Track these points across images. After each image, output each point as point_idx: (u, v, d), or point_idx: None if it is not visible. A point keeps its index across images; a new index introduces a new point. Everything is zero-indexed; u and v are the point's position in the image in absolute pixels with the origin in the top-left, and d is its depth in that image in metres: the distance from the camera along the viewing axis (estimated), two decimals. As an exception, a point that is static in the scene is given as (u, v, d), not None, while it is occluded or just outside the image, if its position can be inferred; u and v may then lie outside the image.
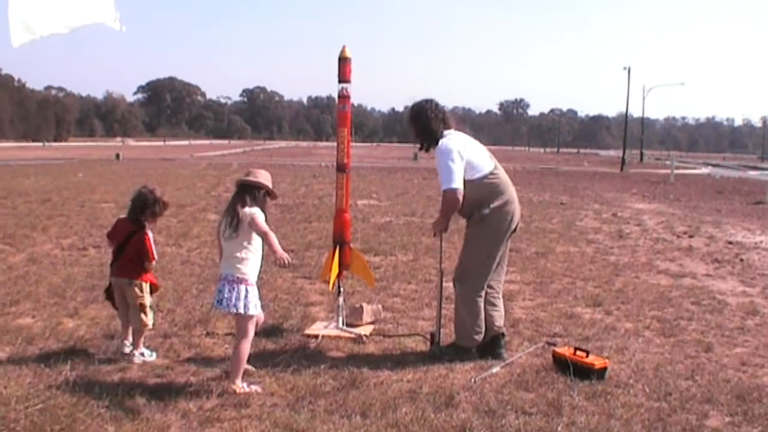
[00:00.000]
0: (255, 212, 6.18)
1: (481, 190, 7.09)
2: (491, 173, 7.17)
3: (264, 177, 6.45)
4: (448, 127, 7.35)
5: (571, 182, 39.83)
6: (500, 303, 7.49)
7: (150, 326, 7.04)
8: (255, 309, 6.14)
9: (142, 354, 6.89)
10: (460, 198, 6.98)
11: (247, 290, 6.08)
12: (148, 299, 7.01)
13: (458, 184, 6.98)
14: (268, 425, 5.38)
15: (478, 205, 7.11)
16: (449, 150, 7.07)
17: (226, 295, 6.06)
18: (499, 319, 7.40)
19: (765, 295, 10.68)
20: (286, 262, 6.09)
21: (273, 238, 6.20)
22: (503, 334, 7.43)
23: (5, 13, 5.37)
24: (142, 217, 7.03)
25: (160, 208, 7.10)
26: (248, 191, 6.31)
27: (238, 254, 6.16)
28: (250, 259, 6.20)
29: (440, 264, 7.55)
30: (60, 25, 5.78)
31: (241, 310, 6.04)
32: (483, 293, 7.25)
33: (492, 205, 7.10)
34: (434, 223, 7.43)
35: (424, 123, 7.35)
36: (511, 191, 7.31)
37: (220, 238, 6.31)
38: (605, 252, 14.26)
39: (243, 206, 6.19)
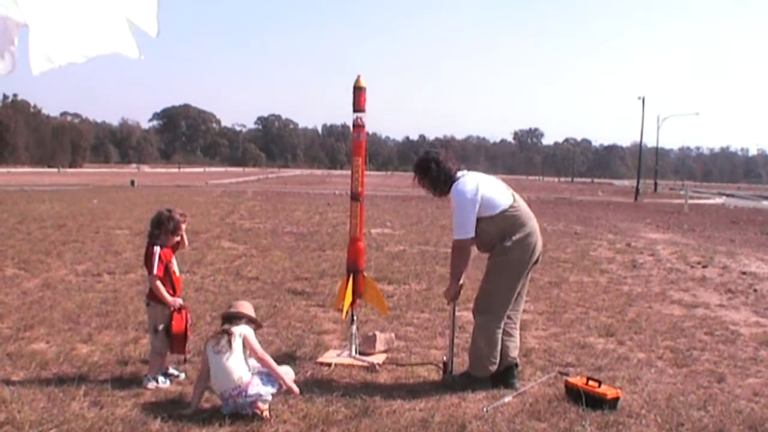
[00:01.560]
0: (246, 330, 6.35)
1: (502, 224, 7.06)
2: (511, 206, 7.13)
3: (245, 308, 6.63)
4: (458, 169, 7.35)
5: (585, 212, 39.76)
6: (516, 333, 7.46)
7: (165, 352, 7.04)
8: (269, 388, 6.20)
9: (156, 380, 6.90)
10: (470, 248, 7.08)
11: (251, 388, 6.11)
12: (161, 321, 6.99)
13: (470, 233, 7.03)
14: (281, 452, 5.39)
15: (500, 238, 7.08)
16: (464, 192, 7.07)
17: (240, 402, 6.09)
18: (514, 350, 7.38)
19: (779, 326, 10.63)
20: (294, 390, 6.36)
21: (270, 360, 6.31)
22: (516, 365, 7.41)
23: (24, 41, 5.44)
24: (158, 234, 7.09)
25: (174, 225, 7.13)
26: (232, 321, 6.45)
27: (230, 365, 6.15)
28: (240, 366, 6.20)
29: (453, 304, 7.54)
30: (78, 54, 5.84)
31: (267, 397, 6.15)
32: (502, 324, 7.21)
33: (514, 238, 7.06)
34: (446, 291, 7.44)
35: (433, 176, 7.34)
36: (533, 223, 7.27)
37: (209, 353, 6.29)
38: (619, 282, 14.23)
39: (232, 326, 6.36)
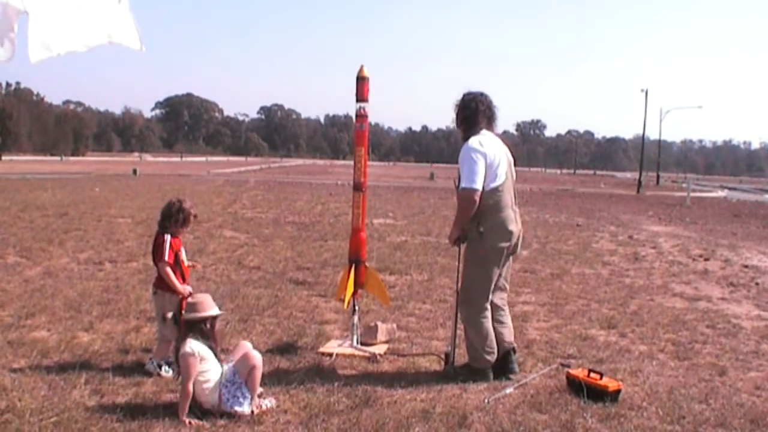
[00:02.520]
0: (190, 352, 5.96)
1: (481, 205, 7.05)
2: (497, 188, 7.11)
3: (204, 306, 6.22)
4: (489, 128, 7.37)
5: (587, 204, 39.74)
6: (508, 319, 7.51)
7: (167, 338, 7.00)
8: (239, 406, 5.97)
9: (159, 366, 6.90)
10: (477, 200, 6.99)
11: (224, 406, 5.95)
12: (173, 311, 6.96)
13: (478, 185, 6.98)
14: (281, 442, 5.39)
15: (476, 221, 7.11)
16: (475, 150, 7.06)
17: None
18: (509, 335, 7.43)
19: (781, 319, 10.62)
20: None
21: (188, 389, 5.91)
22: (514, 350, 7.45)
23: (24, 29, 5.43)
24: (168, 225, 7.10)
25: (184, 217, 7.13)
26: (192, 329, 6.15)
27: (195, 391, 5.96)
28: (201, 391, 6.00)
29: (456, 284, 7.53)
30: (78, 43, 5.83)
31: (244, 410, 5.94)
32: (487, 313, 7.23)
33: (488, 223, 7.09)
34: (450, 234, 7.42)
35: (469, 113, 7.34)
36: (509, 212, 7.23)
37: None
38: (620, 274, 14.23)
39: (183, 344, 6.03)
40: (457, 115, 7.45)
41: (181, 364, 5.96)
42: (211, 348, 6.07)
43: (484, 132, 7.27)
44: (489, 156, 7.07)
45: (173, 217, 7.10)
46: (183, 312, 6.27)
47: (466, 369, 7.30)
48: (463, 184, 7.02)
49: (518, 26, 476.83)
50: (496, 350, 7.23)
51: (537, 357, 8.03)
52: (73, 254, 13.92)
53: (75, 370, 6.80)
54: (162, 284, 7.05)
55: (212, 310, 6.19)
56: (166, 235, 7.07)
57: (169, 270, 6.98)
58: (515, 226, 7.27)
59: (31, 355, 7.31)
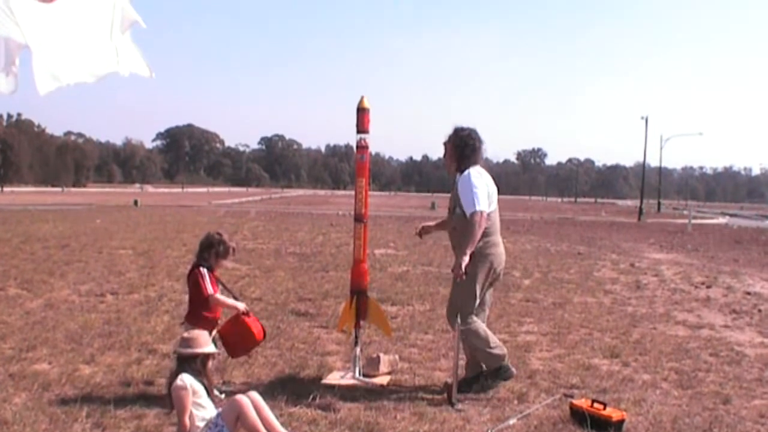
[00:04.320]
0: (183, 385, 5.82)
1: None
2: (490, 215, 7.57)
3: (199, 342, 6.08)
4: (476, 162, 7.74)
5: (589, 232, 39.71)
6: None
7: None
8: None
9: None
10: (485, 221, 7.39)
11: None
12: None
13: (484, 206, 7.39)
14: (284, 475, 5.35)
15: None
16: (477, 178, 7.54)
17: None
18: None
19: (784, 347, 10.59)
20: None
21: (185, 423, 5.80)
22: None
23: (27, 60, 5.45)
24: (207, 257, 7.16)
25: (224, 250, 7.19)
26: (185, 363, 6.01)
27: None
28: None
29: (458, 316, 7.54)
30: (86, 74, 5.86)
31: None
32: (475, 318, 7.61)
33: (478, 246, 7.43)
34: (459, 264, 7.38)
35: (462, 150, 7.75)
36: (497, 238, 7.74)
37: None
38: (623, 303, 14.21)
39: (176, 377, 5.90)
40: (454, 150, 7.83)
41: (173, 397, 5.86)
42: (203, 385, 6.00)
43: (474, 167, 7.69)
44: (486, 186, 7.57)
45: (214, 249, 7.16)
46: (177, 349, 6.22)
47: (485, 378, 7.64)
48: (473, 209, 7.37)
49: (518, 55, 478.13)
50: (500, 343, 7.68)
51: (540, 387, 8.00)
52: (75, 286, 13.90)
53: (76, 403, 6.78)
54: (192, 319, 7.09)
55: (207, 347, 6.09)
56: (202, 269, 7.09)
57: (219, 297, 7.10)
58: (502, 251, 7.82)
59: (32, 387, 7.28)
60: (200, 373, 5.98)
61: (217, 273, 7.27)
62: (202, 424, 5.81)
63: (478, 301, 7.63)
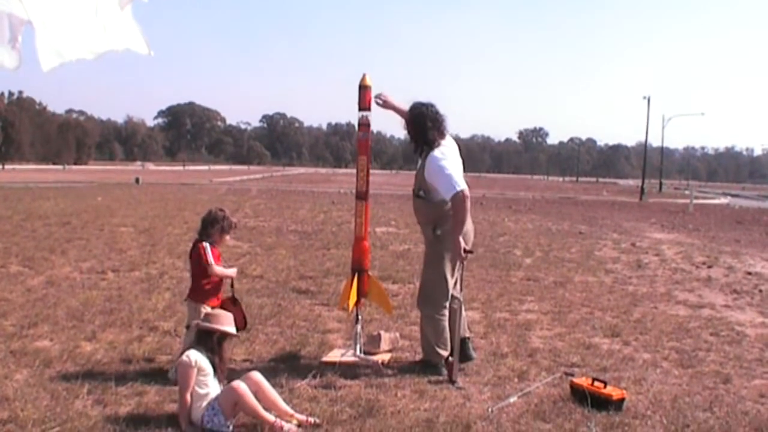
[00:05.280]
0: (190, 363, 5.87)
1: (439, 211, 7.48)
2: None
3: (221, 320, 6.21)
4: (443, 137, 7.68)
5: (590, 211, 39.69)
6: (463, 311, 7.80)
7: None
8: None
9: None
10: (469, 196, 7.35)
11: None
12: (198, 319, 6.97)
13: (463, 184, 7.32)
14: (284, 452, 5.36)
15: (432, 225, 7.55)
16: (443, 158, 7.46)
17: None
18: (464, 325, 7.83)
19: (785, 327, 10.60)
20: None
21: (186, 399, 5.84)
22: (469, 338, 7.97)
23: (29, 38, 5.43)
24: (211, 232, 7.19)
25: (228, 225, 7.24)
26: (202, 338, 6.12)
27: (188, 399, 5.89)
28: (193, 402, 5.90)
29: (460, 291, 7.58)
30: (86, 51, 5.83)
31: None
32: (445, 311, 7.57)
33: (445, 227, 7.44)
34: (454, 249, 7.40)
35: (421, 128, 7.69)
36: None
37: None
38: (624, 282, 14.22)
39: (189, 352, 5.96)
40: (414, 129, 7.79)
41: (178, 372, 5.96)
42: (213, 364, 6.00)
43: (443, 142, 7.65)
44: (454, 164, 7.51)
45: (219, 224, 7.19)
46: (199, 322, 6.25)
47: (422, 364, 7.68)
48: (454, 191, 7.28)
49: (520, 34, 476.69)
50: (448, 346, 7.54)
51: (540, 366, 8.02)
52: (76, 263, 13.91)
53: (78, 379, 6.79)
54: (194, 294, 7.14)
55: (226, 326, 6.13)
56: (204, 243, 7.11)
57: (217, 269, 7.13)
58: (469, 225, 7.68)
59: (33, 364, 7.29)
60: (213, 351, 6.00)
61: (218, 249, 7.27)
62: (204, 403, 5.82)
63: (452, 282, 7.62)
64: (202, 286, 7.12)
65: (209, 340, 6.04)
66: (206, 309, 6.93)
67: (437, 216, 7.51)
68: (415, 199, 7.79)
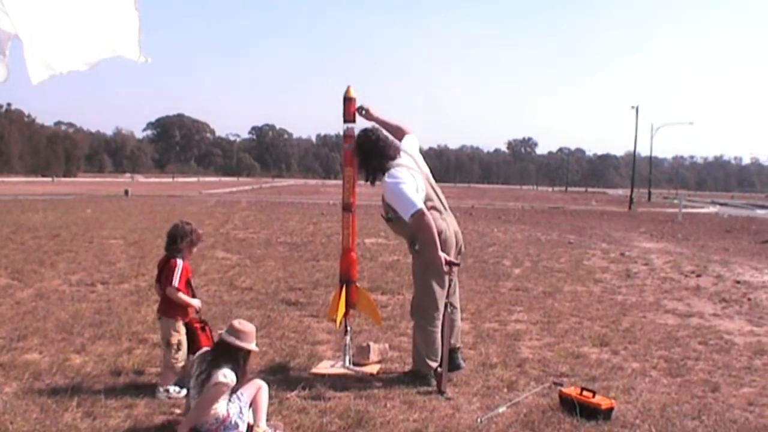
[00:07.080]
0: (222, 380, 5.78)
1: (411, 227, 7.46)
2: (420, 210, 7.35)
3: (245, 336, 6.00)
4: (393, 158, 7.66)
5: (579, 221, 39.78)
6: (458, 317, 8.00)
7: (178, 366, 6.96)
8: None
9: (167, 390, 6.84)
10: (426, 213, 7.29)
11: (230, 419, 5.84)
12: (178, 337, 6.97)
13: (420, 203, 7.29)
14: (274, 464, 5.37)
15: (410, 240, 7.66)
16: (395, 180, 7.43)
17: None
18: (457, 334, 7.92)
19: (773, 335, 10.64)
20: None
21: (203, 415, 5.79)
22: (459, 348, 7.95)
23: (18, 50, 5.44)
24: (181, 247, 7.09)
25: (197, 237, 7.17)
26: (223, 355, 5.96)
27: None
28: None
29: (447, 304, 7.59)
30: (79, 62, 5.83)
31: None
32: (438, 323, 7.53)
33: (421, 241, 7.46)
34: (436, 263, 7.42)
35: (365, 157, 7.78)
36: (439, 224, 7.52)
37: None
38: (613, 291, 14.25)
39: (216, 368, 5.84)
40: (363, 157, 7.82)
41: (212, 390, 5.76)
42: (237, 378, 5.96)
43: (393, 163, 7.62)
44: (408, 182, 7.42)
45: (188, 237, 7.09)
46: (222, 333, 6.12)
47: (411, 375, 7.68)
48: (410, 212, 7.29)
49: (509, 44, 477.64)
50: (439, 357, 7.46)
51: (529, 375, 8.03)
52: (65, 276, 13.89)
53: (67, 392, 6.78)
54: (167, 310, 7.06)
55: (252, 344, 6.07)
56: (178, 260, 7.04)
57: (180, 294, 6.97)
58: (449, 231, 7.63)
59: (23, 377, 7.28)
60: (238, 366, 5.94)
61: (188, 264, 7.20)
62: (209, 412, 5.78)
63: (444, 291, 7.59)
64: (171, 300, 7.06)
65: (236, 356, 5.92)
66: (181, 326, 7.00)
67: (411, 232, 7.55)
68: (387, 222, 7.84)
